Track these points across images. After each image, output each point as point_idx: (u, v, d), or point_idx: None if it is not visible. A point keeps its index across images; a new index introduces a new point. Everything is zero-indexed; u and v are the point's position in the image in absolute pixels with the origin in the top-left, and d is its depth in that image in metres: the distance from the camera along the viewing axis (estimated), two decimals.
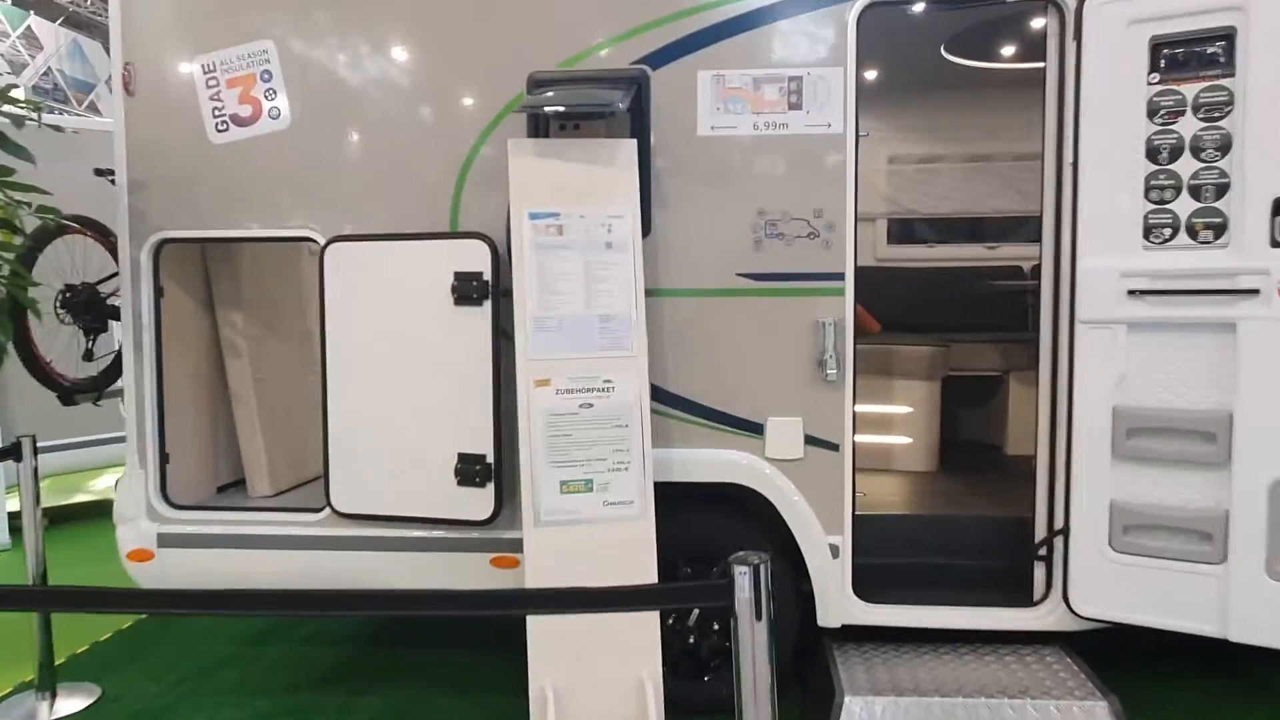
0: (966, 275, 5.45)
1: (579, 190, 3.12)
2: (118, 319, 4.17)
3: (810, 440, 3.32)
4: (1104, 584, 3.09)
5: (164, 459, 3.64)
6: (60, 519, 6.83)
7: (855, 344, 3.30)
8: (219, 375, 4.08)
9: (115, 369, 4.41)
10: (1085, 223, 3.06)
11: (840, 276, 3.27)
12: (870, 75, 5.22)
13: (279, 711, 3.60)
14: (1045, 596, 3.29)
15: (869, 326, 5.09)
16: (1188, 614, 2.97)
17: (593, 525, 3.05)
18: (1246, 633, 2.88)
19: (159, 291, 3.62)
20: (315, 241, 3.45)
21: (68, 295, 4.13)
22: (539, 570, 3.03)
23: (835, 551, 3.33)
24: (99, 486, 7.88)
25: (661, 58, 3.28)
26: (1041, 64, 3.25)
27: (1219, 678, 3.67)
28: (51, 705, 3.73)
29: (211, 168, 3.49)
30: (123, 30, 3.50)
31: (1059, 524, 3.21)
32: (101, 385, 4.20)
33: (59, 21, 15.23)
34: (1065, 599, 3.20)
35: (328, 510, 3.48)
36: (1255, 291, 2.81)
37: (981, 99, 5.40)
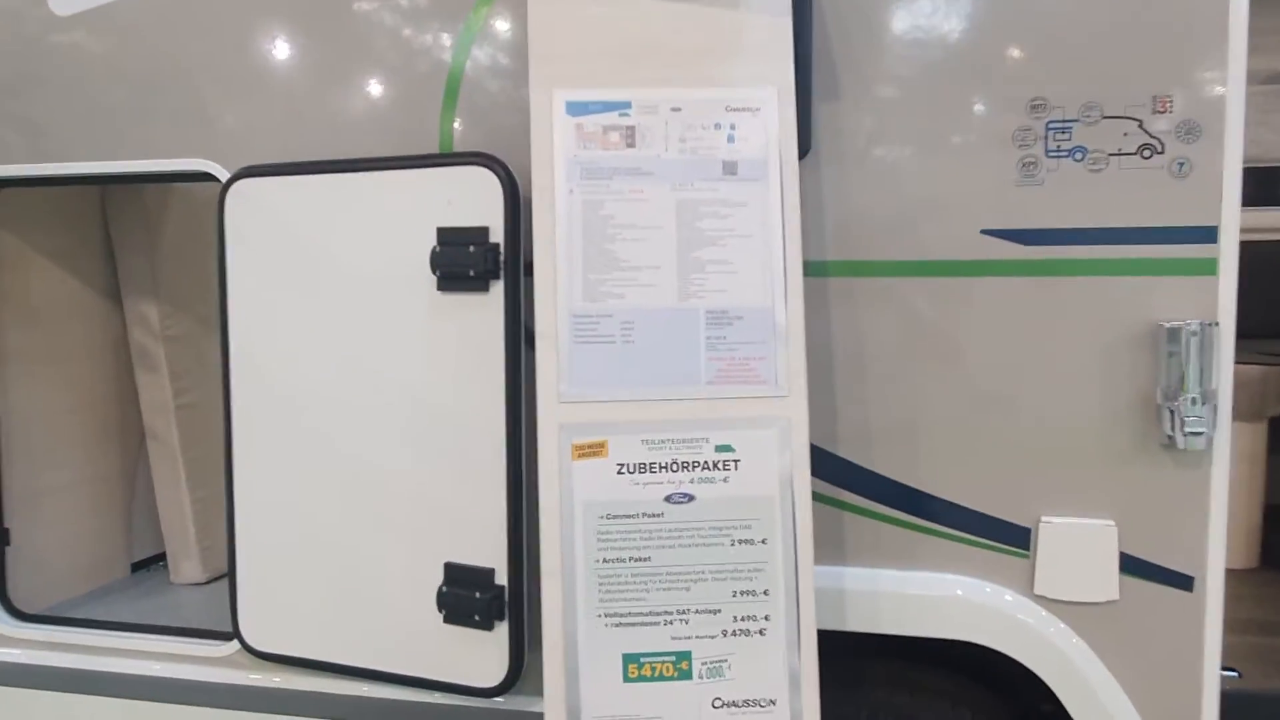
0: (1265, 253, 3.61)
1: (670, 55, 1.54)
2: None
3: (1133, 566, 1.65)
4: None
5: (1, 538, 2.26)
6: None
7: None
8: (128, 397, 2.69)
9: None
10: None
11: (1211, 234, 1.58)
12: None
13: None
14: None
15: None
16: None
17: None
18: None
19: None
20: (214, 178, 1.99)
21: None
22: None
23: None
24: None
25: None
26: None
27: None
28: None
29: (55, 58, 2.07)
30: None
31: None
32: None
33: None
34: None
35: (235, 643, 2.02)
36: None
37: None
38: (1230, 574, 2.72)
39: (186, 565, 2.66)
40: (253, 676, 2.01)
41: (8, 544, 2.26)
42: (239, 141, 1.97)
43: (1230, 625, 2.33)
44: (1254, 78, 3.64)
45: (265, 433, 1.92)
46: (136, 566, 2.77)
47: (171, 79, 2.01)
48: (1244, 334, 3.30)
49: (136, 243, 2.60)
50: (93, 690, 2.11)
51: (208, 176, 1.99)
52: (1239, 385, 2.74)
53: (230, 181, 1.92)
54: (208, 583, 2.66)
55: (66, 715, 2.13)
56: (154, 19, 2.01)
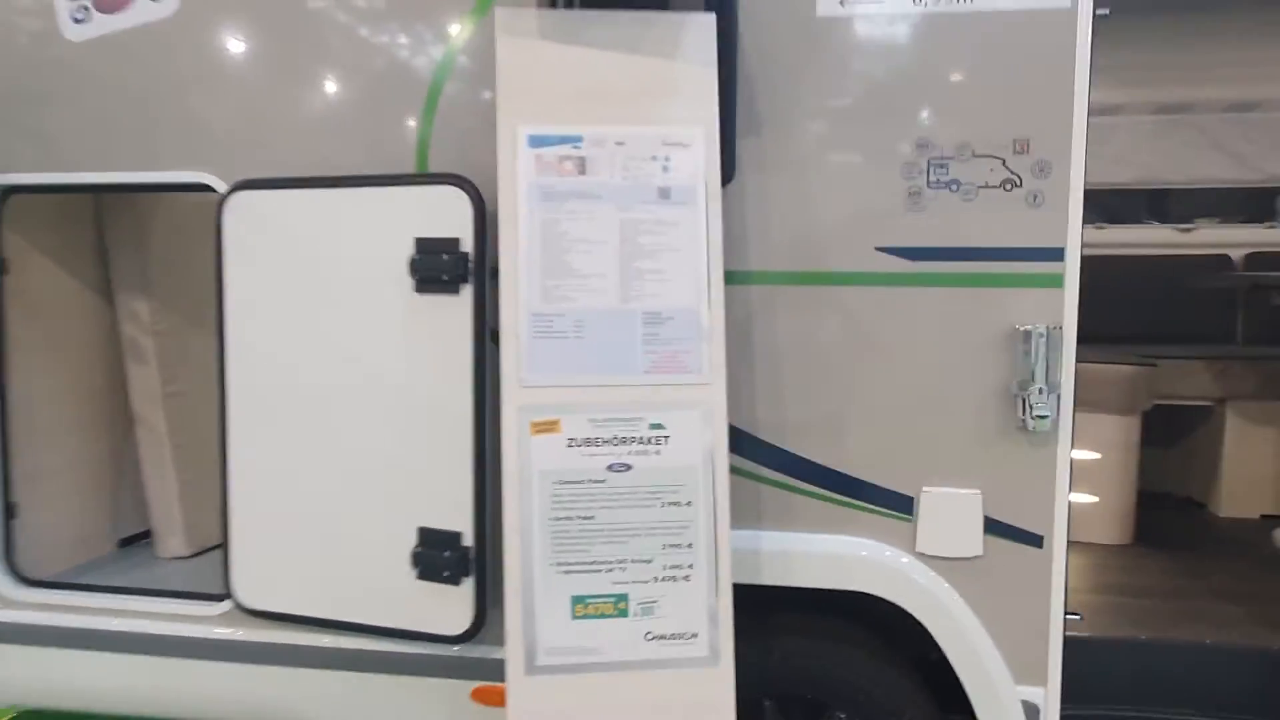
0: (1153, 267, 4.03)
1: (616, 99, 1.84)
2: None
3: (994, 527, 1.99)
4: None
5: (8, 512, 2.48)
6: None
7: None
8: (118, 386, 2.92)
9: None
10: None
11: (1058, 254, 1.93)
12: None
13: None
14: None
15: None
16: None
17: (626, 673, 1.78)
18: None
19: (2, 265, 2.46)
20: (213, 190, 2.24)
21: None
22: None
23: (1033, 714, 2.00)
24: None
25: None
26: None
27: None
28: None
29: (66, 78, 2.31)
30: None
31: None
32: None
33: None
34: None
35: (229, 602, 2.28)
36: None
37: (1185, 27, 3.94)
38: (1107, 548, 3.13)
39: (172, 541, 2.89)
40: (245, 632, 2.27)
41: (14, 517, 2.49)
42: (236, 157, 2.23)
43: (1100, 588, 2.72)
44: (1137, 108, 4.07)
45: (259, 415, 2.18)
46: (122, 543, 2.98)
47: (174, 99, 2.25)
48: (1121, 339, 3.72)
49: (128, 244, 2.82)
50: (98, 648, 2.34)
51: (206, 188, 2.25)
52: (1115, 383, 3.15)
53: (228, 193, 2.18)
54: (191, 557, 2.90)
55: (73, 671, 2.36)
56: (157, 45, 2.25)
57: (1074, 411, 1.94)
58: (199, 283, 3.01)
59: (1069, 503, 1.96)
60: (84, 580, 2.57)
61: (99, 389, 2.86)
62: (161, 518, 2.90)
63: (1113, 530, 3.16)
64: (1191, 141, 4.14)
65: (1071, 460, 1.96)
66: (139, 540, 3.03)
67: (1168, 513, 3.54)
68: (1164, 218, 4.25)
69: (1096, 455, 3.18)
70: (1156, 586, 2.76)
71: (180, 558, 2.88)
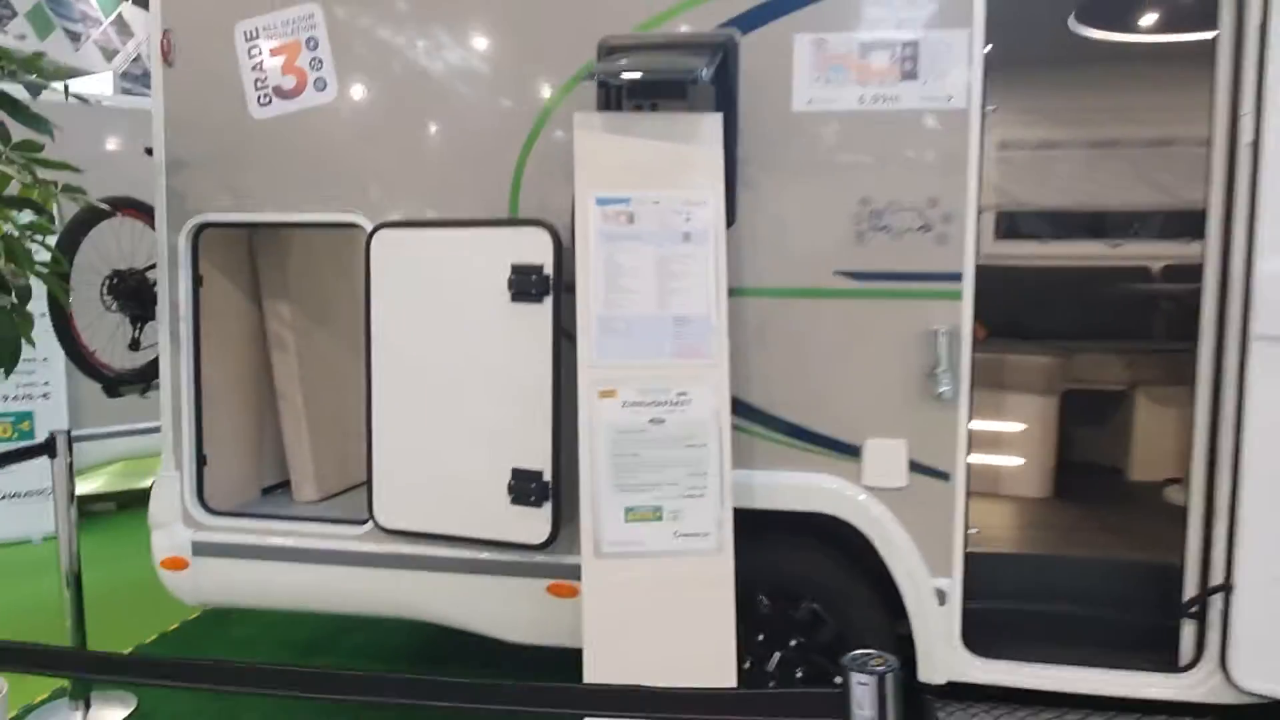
0: (1086, 276, 4.86)
1: (654, 172, 2.71)
2: None
3: (916, 467, 2.85)
4: (1277, 655, 2.55)
5: (201, 461, 3.37)
6: (125, 504, 6.73)
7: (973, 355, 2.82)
8: (264, 371, 3.80)
9: None
10: (1268, 218, 2.52)
11: (957, 277, 2.79)
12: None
13: None
14: (1196, 662, 2.77)
15: (975, 332, 4.55)
16: None
17: (661, 559, 2.65)
18: None
19: (198, 280, 3.34)
20: (361, 228, 3.12)
21: (114, 282, 3.90)
22: (599, 607, 2.65)
23: (942, 597, 2.86)
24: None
25: (752, 20, 2.84)
26: (1195, 34, 2.71)
27: None
28: (85, 715, 3.52)
29: (253, 145, 3.19)
30: None
31: (1218, 576, 2.68)
32: (149, 376, 3.95)
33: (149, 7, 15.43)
34: (1223, 666, 2.67)
35: (371, 524, 3.16)
36: None
37: (1112, 76, 4.78)
38: (1030, 500, 3.97)
39: (306, 488, 3.77)
40: (383, 545, 3.15)
41: (205, 465, 3.37)
42: (379, 203, 3.10)
43: (1018, 524, 3.57)
44: (1020, 145, 4.91)
45: (396, 390, 3.05)
46: (263, 492, 3.87)
47: (332, 160, 3.13)
48: (1045, 335, 4.57)
49: (274, 262, 3.71)
50: (274, 559, 3.23)
51: (356, 226, 3.12)
52: (1038, 371, 3.99)
53: (374, 230, 3.06)
54: (319, 501, 3.78)
55: (253, 577, 3.25)
56: (320, 121, 3.13)
57: (972, 386, 2.80)
58: (325, 291, 3.91)
59: (968, 449, 2.82)
60: (253, 512, 3.46)
61: (251, 371, 3.75)
62: (298, 471, 3.78)
63: (1035, 486, 4.02)
64: (1121, 172, 4.96)
65: (969, 420, 2.81)
66: (274, 490, 3.92)
67: (1088, 476, 4.39)
68: (1098, 235, 5.08)
69: (1023, 426, 4.03)
70: (1060, 523, 3.62)
71: (312, 501, 3.77)
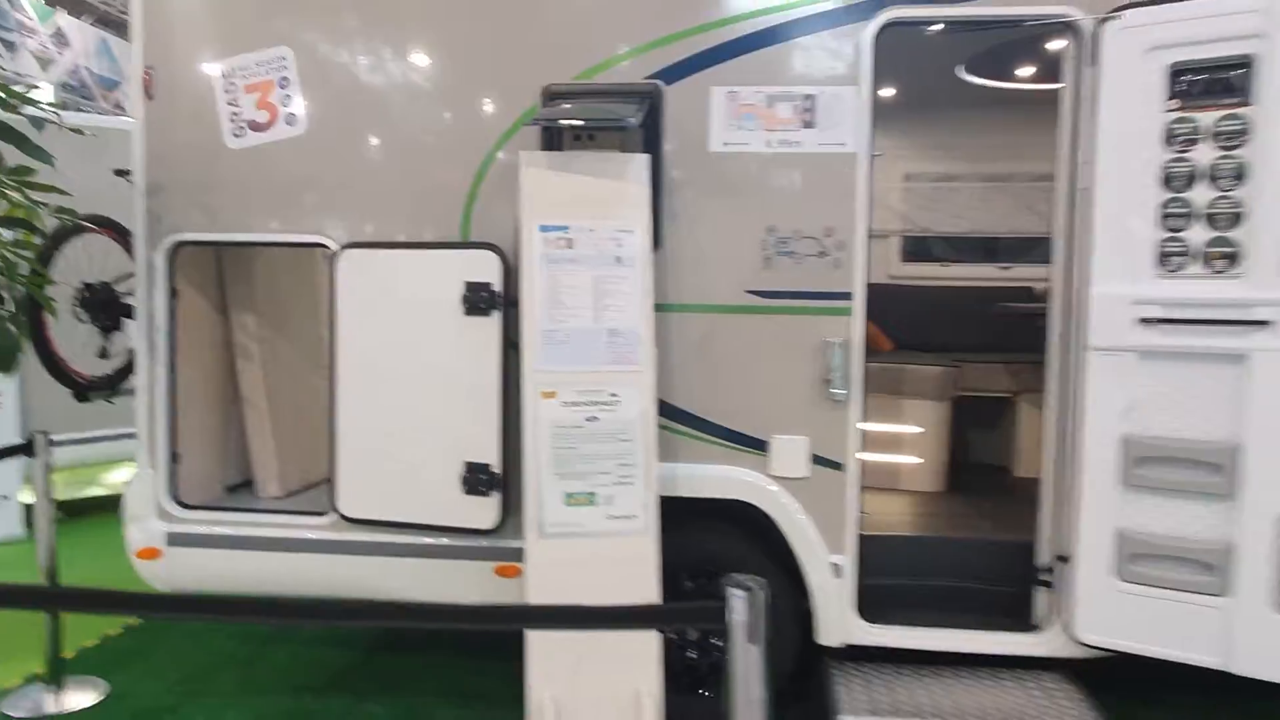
0: (979, 295, 5.42)
1: (590, 204, 3.13)
2: (133, 318, 4.23)
3: (815, 459, 3.31)
4: (1108, 612, 3.07)
5: (174, 459, 3.67)
6: (73, 512, 6.88)
7: (864, 364, 3.29)
8: (230, 377, 4.11)
9: (130, 367, 4.44)
10: (1098, 248, 3.05)
11: (849, 296, 3.26)
12: (888, 92, 5.21)
13: (285, 713, 3.63)
14: (1047, 622, 3.27)
15: (880, 345, 5.08)
16: (1192, 645, 2.95)
17: (596, 539, 3.05)
18: (1251, 666, 2.85)
19: (173, 293, 3.65)
20: (328, 248, 3.48)
21: (85, 294, 4.18)
22: (541, 582, 3.04)
23: (838, 571, 3.32)
24: (112, 480, 7.95)
25: (676, 73, 3.29)
26: (1060, 85, 3.24)
27: (1223, 710, 3.63)
28: (58, 700, 3.77)
29: (228, 172, 3.53)
30: (143, 35, 3.54)
31: (1063, 550, 3.19)
32: (116, 382, 4.24)
33: (86, 19, 15.40)
34: (1068, 625, 3.17)
35: (334, 514, 3.50)
36: (1266, 324, 2.79)
37: (999, 119, 5.38)
38: (925, 493, 4.47)
39: (270, 485, 4.08)
40: (345, 533, 3.49)
41: (178, 462, 3.67)
42: (345, 225, 3.46)
43: (914, 513, 4.05)
44: (922, 177, 5.50)
45: (360, 392, 3.41)
46: (227, 490, 4.17)
47: (302, 186, 3.48)
48: (943, 348, 5.12)
49: (240, 277, 4.03)
50: (243, 548, 3.54)
51: (324, 246, 3.48)
52: (932, 379, 4.51)
53: (340, 250, 3.42)
54: (283, 497, 4.09)
55: (227, 564, 3.55)
56: (292, 152, 3.48)
57: (863, 391, 3.27)
58: (286, 304, 4.24)
59: (859, 444, 3.29)
60: (225, 505, 3.77)
61: (218, 378, 4.06)
62: (262, 470, 4.09)
63: (930, 481, 4.53)
64: (1011, 203, 5.56)
65: (861, 419, 3.28)
66: (237, 488, 4.22)
67: (977, 473, 4.93)
68: (991, 259, 5.65)
69: (920, 429, 4.55)
70: (947, 512, 4.13)
71: (276, 497, 4.08)
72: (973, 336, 5.26)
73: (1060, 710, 3.07)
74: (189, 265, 3.78)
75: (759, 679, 1.70)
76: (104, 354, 4.25)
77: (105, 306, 4.21)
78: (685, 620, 1.82)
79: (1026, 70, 4.75)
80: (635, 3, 3.29)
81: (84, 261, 4.37)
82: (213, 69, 3.50)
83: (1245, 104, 2.82)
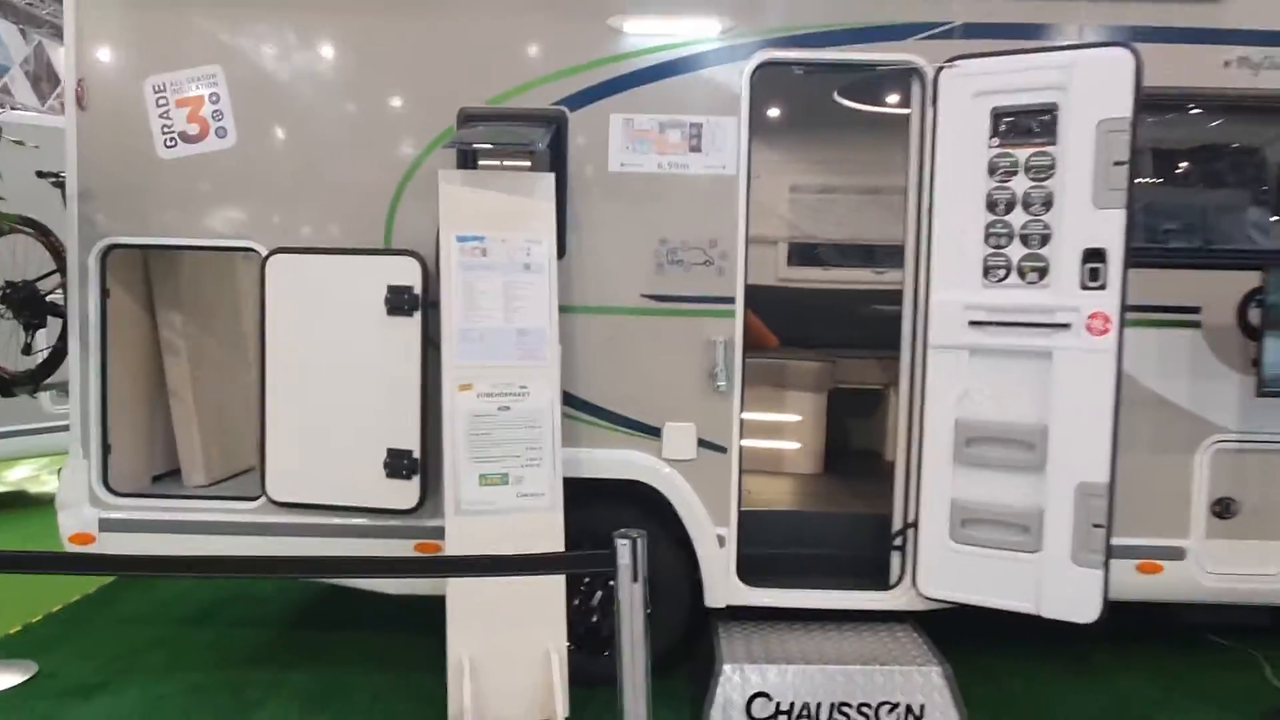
0: (856, 297, 6.01)
1: (501, 217, 3.51)
2: (56, 315, 4.41)
3: (702, 443, 3.77)
4: (945, 570, 3.62)
5: (106, 449, 3.89)
6: None
7: (748, 358, 3.77)
8: (157, 372, 4.33)
9: (53, 363, 4.62)
10: (937, 260, 3.59)
11: (731, 300, 3.73)
12: (775, 113, 5.73)
13: (212, 685, 3.89)
14: (899, 581, 3.82)
15: (767, 341, 5.59)
16: (1011, 595, 3.52)
17: (508, 514, 3.44)
18: (1056, 609, 3.44)
19: (105, 294, 3.87)
20: (257, 252, 3.76)
21: (8, 292, 4.33)
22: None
23: (722, 541, 3.79)
24: (12, 478, 7.91)
25: (580, 100, 3.69)
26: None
27: (1049, 658, 4.26)
28: None
29: (160, 180, 3.77)
30: (76, 47, 3.75)
31: (911, 519, 3.74)
32: (39, 378, 4.41)
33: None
34: (914, 583, 3.72)
35: (263, 499, 3.78)
36: (1067, 325, 3.37)
37: (872, 138, 5.96)
38: (804, 475, 5.00)
39: (196, 474, 4.32)
40: (274, 516, 3.78)
41: (110, 453, 3.89)
42: (273, 231, 3.74)
43: (791, 492, 4.56)
44: (806, 189, 6.08)
45: (289, 386, 3.70)
46: (154, 479, 4.38)
47: (231, 194, 3.75)
48: (824, 344, 5.68)
49: (167, 277, 4.25)
50: (177, 532, 3.79)
51: (254, 250, 3.75)
52: (810, 373, 5.04)
53: (268, 255, 3.70)
54: (209, 485, 4.33)
55: (160, 548, 3.79)
56: (222, 162, 3.74)
57: (743, 382, 3.75)
58: (210, 303, 4.47)
59: (740, 429, 3.76)
60: (156, 493, 4.01)
61: (147, 373, 4.27)
62: (188, 459, 4.33)
63: (809, 465, 5.06)
64: (883, 213, 6.15)
65: (741, 407, 3.76)
66: (163, 477, 4.43)
67: (852, 457, 5.49)
68: (868, 264, 6.24)
69: (799, 418, 5.08)
70: (821, 491, 4.66)
71: (202, 485, 4.32)
72: (850, 334, 5.82)
73: (905, 652, 3.61)
74: (117, 266, 3.99)
75: (641, 610, 2.13)
76: (28, 350, 4.42)
77: (29, 304, 4.38)
78: (582, 566, 2.23)
79: (893, 97, 5.32)
80: (545, 34, 3.68)
81: (7, 260, 4.51)
82: (145, 83, 3.73)
83: (1051, 143, 3.39)
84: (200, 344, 4.39)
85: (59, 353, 4.56)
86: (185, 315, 4.30)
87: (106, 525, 3.83)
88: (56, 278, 4.60)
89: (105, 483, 3.88)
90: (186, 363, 4.31)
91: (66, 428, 3.97)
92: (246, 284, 4.89)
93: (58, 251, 4.71)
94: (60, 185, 4.59)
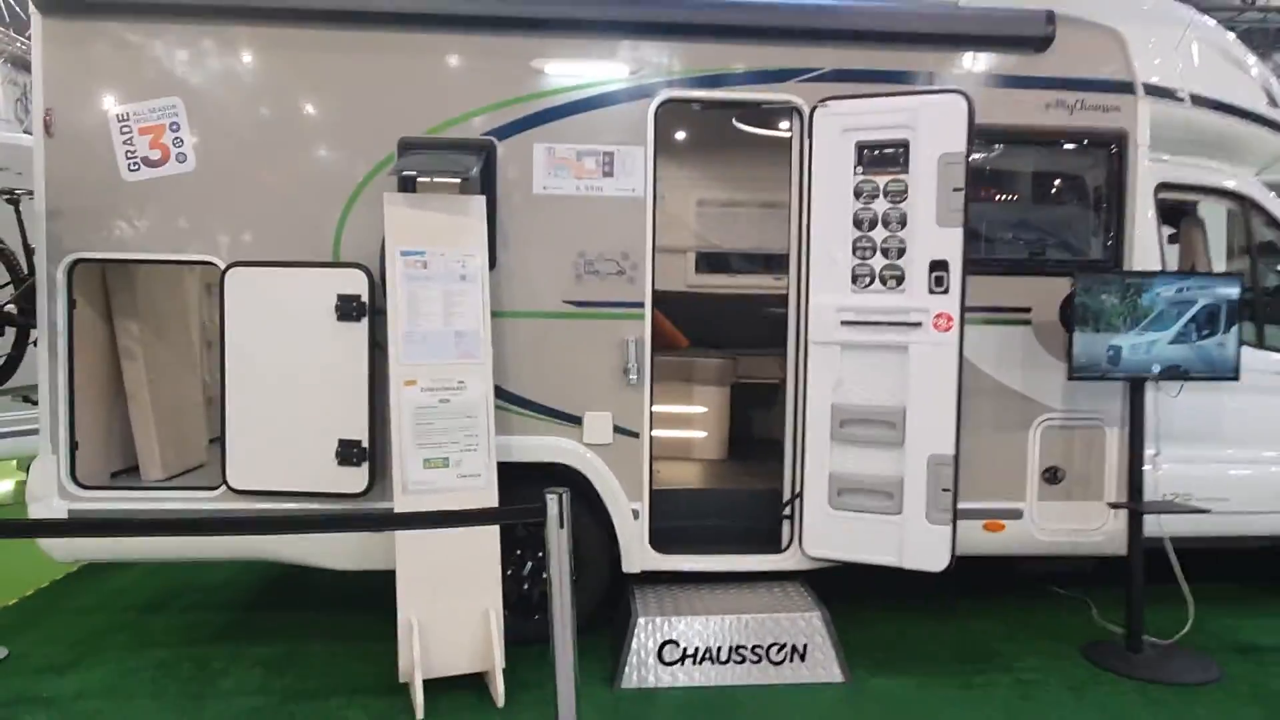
0: (757, 301, 6.67)
1: (440, 234, 4.02)
2: (11, 325, 4.74)
3: (618, 430, 4.34)
4: (825, 532, 4.27)
5: (74, 446, 4.25)
6: None
7: (660, 356, 4.35)
8: (116, 376, 4.68)
9: (6, 369, 4.94)
10: (814, 270, 4.24)
11: (641, 304, 4.31)
12: (682, 136, 6.34)
13: (179, 659, 4.28)
14: (789, 545, 4.45)
15: (678, 341, 6.20)
16: (879, 551, 4.18)
17: (449, 493, 3.94)
18: (915, 560, 4.11)
19: (71, 304, 4.23)
20: (216, 265, 4.17)
21: None
22: (405, 531, 3.89)
23: (636, 515, 4.36)
24: None
25: (508, 130, 4.23)
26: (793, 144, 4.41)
27: (916, 609, 4.96)
28: None
29: (124, 201, 4.15)
30: (44, 79, 4.11)
31: (798, 491, 4.37)
32: None
33: None
34: (801, 546, 4.36)
35: (223, 487, 4.20)
36: (919, 324, 4.05)
37: (769, 157, 6.62)
38: (710, 460, 5.62)
39: (153, 469, 4.69)
40: (234, 503, 4.19)
41: (78, 449, 4.24)
42: (231, 246, 4.17)
43: (699, 475, 5.16)
44: (712, 203, 6.73)
45: (247, 386, 4.13)
46: (112, 475, 4.73)
47: (192, 212, 4.16)
48: (730, 344, 6.31)
49: (124, 288, 4.62)
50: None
51: (212, 264, 4.17)
52: (714, 369, 5.66)
53: (227, 268, 4.13)
54: (166, 479, 4.70)
55: (123, 543, 4.16)
56: (183, 184, 4.15)
57: (652, 376, 4.32)
58: (165, 311, 4.85)
59: (650, 417, 4.33)
60: (121, 485, 4.38)
61: (106, 376, 4.63)
62: (146, 456, 4.69)
63: (714, 451, 5.69)
64: (780, 225, 6.82)
65: (651, 398, 4.33)
66: (121, 474, 4.78)
67: (752, 444, 6.14)
68: (768, 270, 6.91)
69: (705, 409, 5.69)
70: (725, 473, 5.28)
71: (159, 480, 4.69)
72: (752, 334, 6.48)
73: (792, 603, 4.24)
74: (79, 278, 4.35)
75: (567, 555, 2.67)
76: None
77: None
78: (515, 517, 2.77)
79: (784, 124, 5.99)
80: (477, 73, 4.20)
81: None
82: (109, 112, 4.11)
83: (904, 172, 4.07)
84: (155, 349, 4.76)
85: (13, 360, 4.89)
86: (141, 323, 4.67)
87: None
88: (10, 289, 4.93)
89: (73, 476, 4.24)
90: (143, 366, 4.68)
91: (20, 433, 4.32)
92: (195, 295, 5.28)
93: (12, 264, 5.03)
94: (13, 202, 4.94)
